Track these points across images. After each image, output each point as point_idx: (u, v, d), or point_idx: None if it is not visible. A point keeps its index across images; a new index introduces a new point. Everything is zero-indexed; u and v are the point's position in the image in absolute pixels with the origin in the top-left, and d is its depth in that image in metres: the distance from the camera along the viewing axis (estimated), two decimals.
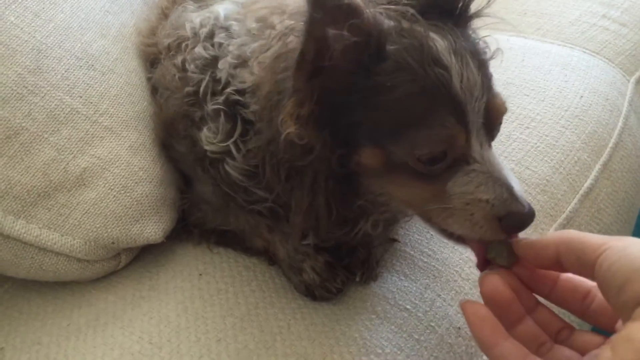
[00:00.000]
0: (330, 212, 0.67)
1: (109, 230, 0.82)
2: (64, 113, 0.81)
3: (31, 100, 0.79)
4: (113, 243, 0.82)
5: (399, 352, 0.71)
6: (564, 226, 0.93)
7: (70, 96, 0.82)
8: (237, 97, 0.73)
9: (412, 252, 0.83)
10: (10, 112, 0.77)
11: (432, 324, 0.75)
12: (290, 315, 0.75)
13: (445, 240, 0.69)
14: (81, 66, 0.85)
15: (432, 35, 0.61)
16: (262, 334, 0.73)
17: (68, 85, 0.82)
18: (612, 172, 1.02)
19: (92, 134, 0.83)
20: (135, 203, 0.83)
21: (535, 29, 1.28)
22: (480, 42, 0.70)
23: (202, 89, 0.77)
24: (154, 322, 0.77)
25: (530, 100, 1.06)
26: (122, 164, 0.84)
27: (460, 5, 0.67)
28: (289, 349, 0.71)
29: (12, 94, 0.78)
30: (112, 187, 0.82)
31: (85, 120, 0.83)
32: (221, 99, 0.75)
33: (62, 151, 0.80)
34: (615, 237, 0.52)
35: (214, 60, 0.77)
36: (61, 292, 0.86)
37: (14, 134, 0.78)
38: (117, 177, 0.83)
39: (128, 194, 0.83)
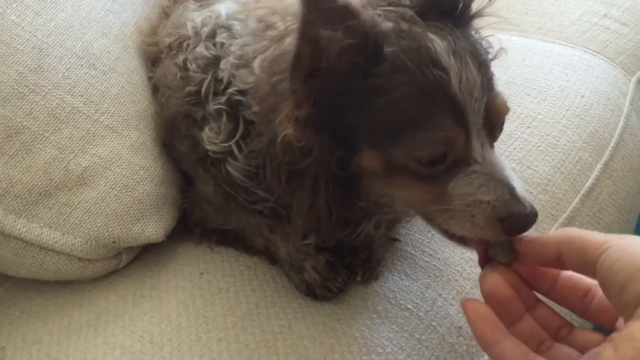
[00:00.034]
0: (331, 214, 0.67)
1: (110, 229, 0.82)
2: (65, 112, 0.81)
3: (32, 99, 0.79)
4: (114, 242, 0.82)
5: (400, 352, 0.71)
6: (565, 226, 0.92)
7: (72, 95, 0.82)
8: (239, 97, 0.73)
9: (413, 252, 0.83)
10: (11, 111, 0.77)
11: (434, 324, 0.75)
12: (291, 315, 0.75)
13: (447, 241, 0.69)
14: (82, 65, 0.84)
15: (431, 36, 0.61)
16: (263, 333, 0.73)
17: (69, 84, 0.82)
18: (613, 172, 1.02)
19: (93, 133, 0.83)
20: (136, 202, 0.83)
21: (537, 28, 1.28)
22: (483, 42, 0.70)
23: (204, 88, 0.77)
24: (155, 321, 0.77)
25: (532, 99, 1.06)
26: (123, 163, 0.84)
27: (460, 5, 0.66)
28: (290, 348, 0.71)
29: (14, 92, 0.78)
30: (113, 186, 0.82)
31: (86, 119, 0.83)
32: (223, 99, 0.74)
33: (63, 150, 0.80)
34: (617, 236, 0.52)
35: (216, 59, 0.77)
36: (62, 291, 0.86)
37: (15, 133, 0.78)
38: (118, 176, 0.83)
39: (129, 193, 0.83)
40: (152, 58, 0.93)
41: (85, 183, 0.81)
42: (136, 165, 0.85)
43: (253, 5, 0.78)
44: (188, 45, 0.82)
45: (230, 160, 0.75)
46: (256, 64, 0.69)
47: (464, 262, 0.83)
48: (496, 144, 0.66)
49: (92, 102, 0.84)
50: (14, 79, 0.78)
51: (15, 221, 0.78)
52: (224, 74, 0.75)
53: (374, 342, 0.72)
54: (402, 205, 0.70)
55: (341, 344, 0.71)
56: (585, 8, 1.30)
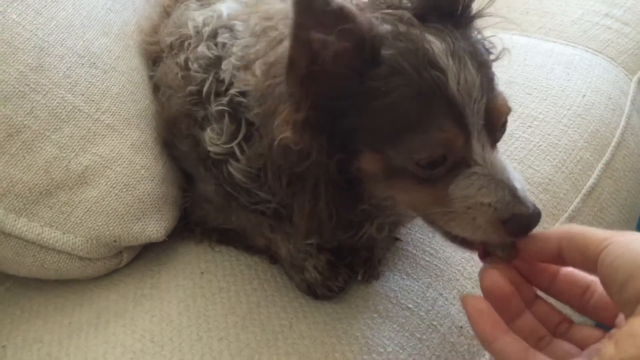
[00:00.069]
0: (332, 216, 0.67)
1: (111, 228, 0.82)
2: (65, 111, 0.81)
3: (33, 98, 0.79)
4: (115, 241, 0.82)
5: (401, 351, 0.71)
6: None
7: (72, 94, 0.82)
8: (241, 99, 0.73)
9: (414, 251, 0.83)
10: (12, 110, 0.77)
11: (434, 323, 0.75)
12: (292, 314, 0.75)
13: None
14: (83, 64, 0.84)
15: (429, 37, 0.60)
16: (264, 332, 0.73)
17: (70, 83, 0.82)
18: (614, 171, 1.02)
19: (94, 132, 0.83)
20: (137, 201, 0.83)
21: (538, 27, 1.28)
22: (485, 43, 0.69)
23: (205, 88, 0.77)
24: (156, 320, 0.77)
25: (533, 99, 1.06)
26: (124, 162, 0.84)
27: (460, 6, 0.66)
28: (290, 348, 0.71)
29: (14, 91, 0.78)
30: (114, 185, 0.82)
31: (87, 118, 0.83)
32: (225, 100, 0.74)
33: (64, 149, 0.80)
34: (619, 232, 0.52)
35: (218, 60, 0.77)
36: (63, 290, 0.86)
37: (16, 132, 0.78)
38: (119, 175, 0.83)
39: (130, 192, 0.83)
40: (153, 57, 0.93)
41: (86, 182, 0.81)
42: (137, 164, 0.85)
43: (255, 6, 0.77)
44: (189, 44, 0.81)
45: (232, 161, 0.75)
46: (257, 66, 0.69)
47: (465, 261, 0.82)
48: (497, 143, 0.66)
49: (93, 101, 0.84)
50: (15, 77, 0.78)
51: (15, 220, 0.78)
52: (225, 75, 0.75)
53: (375, 342, 0.72)
54: (404, 208, 0.69)
55: (342, 343, 0.71)
56: (586, 7, 1.30)
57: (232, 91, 0.73)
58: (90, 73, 0.85)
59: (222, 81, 0.75)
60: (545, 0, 1.35)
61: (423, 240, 0.84)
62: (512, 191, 0.60)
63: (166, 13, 0.95)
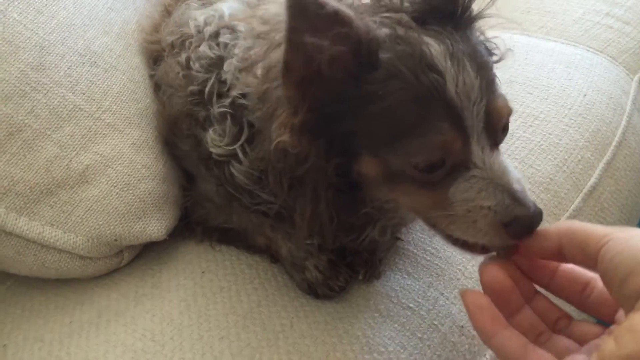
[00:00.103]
0: (333, 219, 0.66)
1: (112, 227, 0.82)
2: (66, 110, 0.81)
3: (34, 97, 0.79)
4: (116, 240, 0.82)
5: (402, 351, 0.71)
6: None
7: (73, 93, 0.82)
8: (243, 100, 0.72)
9: (415, 251, 0.83)
10: (13, 108, 0.77)
11: (435, 323, 0.75)
12: (292, 314, 0.75)
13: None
14: (84, 63, 0.84)
15: (428, 40, 0.60)
16: (264, 332, 0.73)
17: (71, 82, 0.82)
18: (615, 171, 1.01)
19: (94, 131, 0.83)
20: (137, 200, 0.83)
21: (539, 27, 1.28)
22: (488, 44, 0.69)
23: (207, 89, 0.76)
24: (157, 319, 0.77)
25: (534, 98, 1.06)
26: (125, 161, 0.84)
27: (460, 8, 0.65)
28: (291, 347, 0.71)
29: (15, 90, 0.78)
30: (114, 185, 0.82)
31: (88, 117, 0.83)
32: (227, 101, 0.74)
33: (65, 148, 0.80)
34: (619, 228, 0.52)
35: (219, 60, 0.77)
36: (63, 289, 0.87)
37: (17, 131, 0.78)
38: (120, 174, 0.83)
39: (131, 191, 0.83)
40: (154, 56, 0.93)
41: (87, 181, 0.81)
42: (138, 163, 0.85)
43: (258, 6, 0.77)
44: (191, 43, 0.81)
45: (234, 163, 0.75)
46: (258, 68, 0.69)
47: (466, 261, 0.82)
48: (499, 145, 0.65)
49: (94, 100, 0.84)
50: (16, 76, 0.78)
51: (16, 219, 0.78)
52: (227, 76, 0.75)
53: (376, 341, 0.72)
54: (406, 211, 0.69)
55: (343, 342, 0.71)
56: (587, 7, 1.29)
57: (234, 93, 0.73)
58: (91, 72, 0.85)
59: (224, 82, 0.75)
60: None
61: (424, 239, 0.84)
62: (512, 194, 0.59)
63: (167, 12, 0.95)
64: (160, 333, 0.75)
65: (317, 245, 0.77)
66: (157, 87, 0.91)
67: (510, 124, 0.66)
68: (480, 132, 0.60)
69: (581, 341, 0.56)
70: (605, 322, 0.57)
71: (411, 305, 0.76)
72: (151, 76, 0.93)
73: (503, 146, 0.66)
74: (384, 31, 0.61)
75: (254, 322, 0.74)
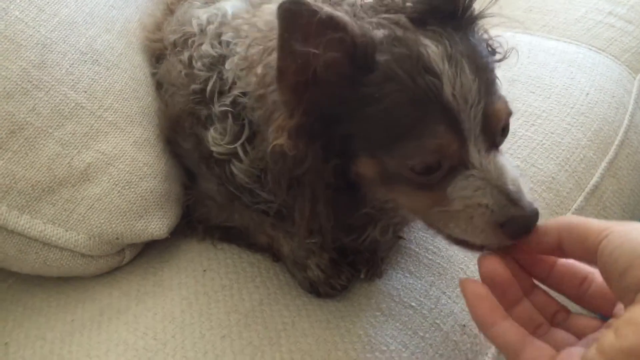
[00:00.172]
0: (331, 220, 0.66)
1: (113, 225, 0.82)
2: (68, 108, 0.81)
3: (36, 95, 0.79)
4: (117, 238, 0.82)
5: (403, 350, 0.71)
6: None
7: (75, 91, 0.82)
8: (244, 99, 0.73)
9: (417, 250, 0.83)
10: (14, 106, 0.77)
11: (437, 322, 0.75)
12: (294, 312, 0.75)
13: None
14: (86, 61, 0.84)
15: (425, 41, 0.60)
16: (266, 330, 0.73)
17: (72, 80, 0.82)
18: (617, 170, 1.01)
19: (96, 129, 0.83)
20: (139, 198, 0.83)
21: (541, 25, 1.28)
22: (492, 43, 0.69)
23: (209, 87, 0.76)
24: (159, 318, 0.77)
25: (536, 97, 1.06)
26: (127, 159, 0.84)
27: (460, 8, 0.65)
28: (293, 346, 0.71)
29: (17, 88, 0.77)
30: (116, 183, 0.82)
31: (89, 115, 0.83)
32: (228, 100, 0.74)
33: (67, 146, 0.80)
34: (618, 222, 0.52)
35: (221, 59, 0.77)
36: (65, 287, 0.86)
37: (19, 129, 0.78)
38: (122, 172, 0.83)
39: (132, 190, 0.83)
40: (156, 54, 0.93)
41: (89, 179, 0.81)
42: (139, 161, 0.85)
43: (260, 5, 0.77)
44: (193, 42, 0.81)
45: (234, 161, 0.75)
46: (259, 68, 0.68)
47: (468, 260, 0.82)
48: (499, 147, 0.65)
49: (96, 98, 0.84)
50: (18, 74, 0.78)
51: (18, 217, 0.78)
52: (229, 74, 0.75)
53: (378, 340, 0.71)
54: (406, 211, 0.69)
55: (345, 341, 0.71)
56: (589, 5, 1.29)
57: (235, 92, 0.73)
58: (93, 70, 0.85)
59: (226, 80, 0.75)
60: None
61: (426, 238, 0.84)
62: (508, 195, 0.59)
63: (170, 10, 0.95)
64: (162, 331, 0.75)
65: (319, 243, 0.77)
66: (159, 85, 0.91)
67: (512, 123, 0.66)
68: (477, 135, 0.60)
69: (579, 334, 0.57)
70: (603, 316, 0.57)
71: (413, 304, 0.76)
72: (153, 74, 0.93)
73: (505, 145, 0.66)
74: (381, 33, 0.60)
75: (256, 320, 0.74)
